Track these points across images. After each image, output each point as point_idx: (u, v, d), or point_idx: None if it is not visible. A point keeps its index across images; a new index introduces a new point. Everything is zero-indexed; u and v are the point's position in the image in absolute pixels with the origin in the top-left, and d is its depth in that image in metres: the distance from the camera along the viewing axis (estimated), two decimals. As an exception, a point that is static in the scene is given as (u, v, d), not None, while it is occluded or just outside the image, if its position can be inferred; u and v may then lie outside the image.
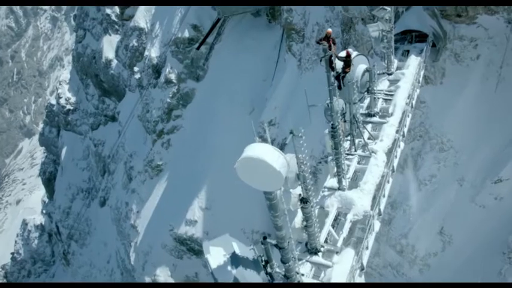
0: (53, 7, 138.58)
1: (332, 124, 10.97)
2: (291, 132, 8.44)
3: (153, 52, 37.40)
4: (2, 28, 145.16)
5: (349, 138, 13.60)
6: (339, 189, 12.23)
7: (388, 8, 15.27)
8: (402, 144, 14.63)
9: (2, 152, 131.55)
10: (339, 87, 12.05)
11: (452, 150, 21.42)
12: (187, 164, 36.75)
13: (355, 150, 13.68)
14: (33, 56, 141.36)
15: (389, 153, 13.83)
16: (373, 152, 13.46)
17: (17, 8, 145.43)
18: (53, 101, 64.12)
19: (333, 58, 11.63)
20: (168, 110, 37.70)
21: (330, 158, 11.86)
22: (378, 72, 17.37)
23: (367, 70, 13.91)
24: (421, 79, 18.19)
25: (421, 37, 19.09)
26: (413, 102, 16.95)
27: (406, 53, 18.74)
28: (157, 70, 37.94)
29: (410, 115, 16.30)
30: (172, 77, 36.77)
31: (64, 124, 64.16)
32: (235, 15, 31.78)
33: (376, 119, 14.89)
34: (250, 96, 33.76)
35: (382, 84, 16.92)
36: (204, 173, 34.44)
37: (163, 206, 37.25)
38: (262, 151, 7.23)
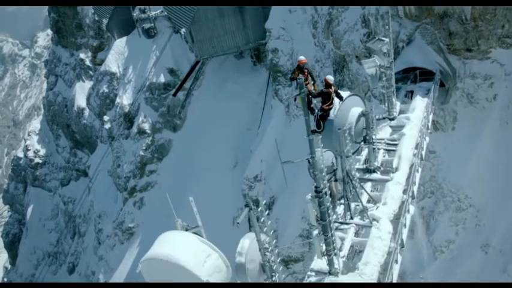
0: (32, 54, 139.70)
1: (316, 186, 8.53)
2: (247, 205, 6.01)
3: (125, 99, 35.60)
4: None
5: (342, 202, 11.13)
6: (329, 273, 9.63)
7: (386, 39, 13.33)
8: (412, 209, 12.15)
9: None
10: (315, 131, 9.76)
11: (472, 209, 19.13)
12: (163, 227, 33.71)
13: (351, 218, 11.15)
14: (8, 105, 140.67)
15: (396, 220, 11.32)
16: (374, 219, 10.95)
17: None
18: (20, 154, 61.80)
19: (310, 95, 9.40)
20: (141, 165, 35.40)
21: (315, 232, 9.33)
22: (378, 117, 15.23)
23: (362, 114, 11.69)
24: (429, 124, 16.04)
25: (426, 75, 17.21)
26: (423, 152, 14.67)
27: (410, 94, 16.79)
28: (129, 119, 35.99)
29: (420, 169, 13.94)
30: (146, 126, 34.77)
31: (31, 179, 61.50)
32: (215, 56, 30.25)
33: (377, 175, 12.49)
34: (234, 147, 31.75)
35: (383, 132, 14.71)
36: (181, 237, 31.66)
37: (134, 277, 34.01)
38: (180, 249, 4.74)
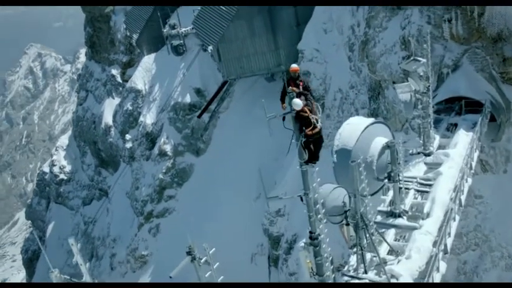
0: (73, 69, 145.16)
1: (310, 232, 7.02)
2: (189, 253, 4.62)
3: (148, 118, 35.22)
4: (18, 89, 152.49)
5: (355, 251, 9.50)
6: None
7: (423, 60, 11.79)
8: (443, 266, 10.31)
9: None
10: (309, 161, 8.36)
11: (526, 269, 16.77)
12: (177, 257, 32.71)
13: (365, 272, 9.48)
14: (46, 119, 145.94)
15: (421, 279, 9.54)
16: (393, 276, 9.24)
17: (37, 69, 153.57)
18: (46, 169, 62.80)
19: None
20: (160, 189, 34.58)
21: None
22: (411, 151, 13.60)
23: (387, 146, 10.12)
24: (474, 164, 14.17)
25: (473, 106, 15.41)
26: (463, 197, 12.80)
27: (453, 128, 14.98)
28: (151, 139, 35.49)
29: (457, 217, 12.08)
30: (168, 148, 34.07)
31: (55, 196, 62.16)
32: (243, 77, 29.35)
33: (402, 221, 10.78)
34: (258, 178, 30.33)
35: (416, 169, 13.01)
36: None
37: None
38: None
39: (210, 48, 27.40)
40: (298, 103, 7.34)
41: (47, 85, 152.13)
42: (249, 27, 27.51)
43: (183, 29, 32.83)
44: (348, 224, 9.34)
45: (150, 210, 35.30)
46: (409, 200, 11.67)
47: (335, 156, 10.33)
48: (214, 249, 6.35)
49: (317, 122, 8.54)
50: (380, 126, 10.62)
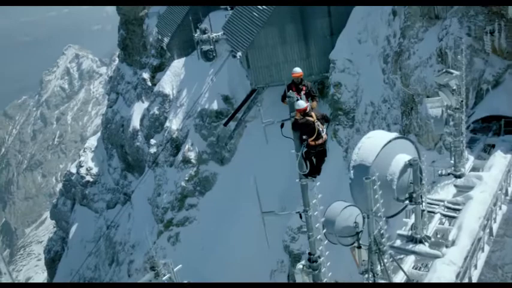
0: (109, 72, 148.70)
1: (309, 254, 6.46)
2: (152, 268, 4.19)
3: (174, 123, 35.26)
4: (54, 89, 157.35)
5: (366, 277, 8.82)
6: None
7: (456, 72, 11.05)
8: (467, 301, 9.46)
9: (24, 220, 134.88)
10: (310, 175, 7.86)
11: None
12: (195, 268, 32.51)
13: (376, 302, 8.78)
14: (79, 121, 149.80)
15: (440, 315, 8.77)
16: (408, 309, 8.51)
17: (73, 70, 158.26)
18: (73, 170, 63.96)
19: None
20: (182, 197, 34.49)
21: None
22: (441, 172, 12.78)
23: (409, 164, 9.43)
24: (510, 190, 13.17)
25: (514, 127, 14.46)
26: (495, 226, 11.87)
27: (490, 149, 14.06)
28: (176, 145, 35.51)
29: (487, 247, 11.18)
30: (192, 155, 33.96)
31: (80, 197, 63.12)
32: (271, 86, 28.96)
33: (423, 248, 10.00)
34: (282, 192, 29.77)
35: (445, 192, 12.18)
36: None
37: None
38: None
39: (239, 54, 27.19)
40: (300, 103, 6.85)
41: (82, 86, 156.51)
42: (280, 34, 27.18)
43: (214, 34, 32.81)
44: (359, 247, 8.71)
45: (170, 218, 35.19)
46: (434, 225, 10.88)
47: (352, 172, 9.76)
48: (180, 266, 5.95)
49: (322, 132, 8.01)
50: (404, 142, 9.94)
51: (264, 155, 32.09)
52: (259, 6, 26.64)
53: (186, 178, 34.37)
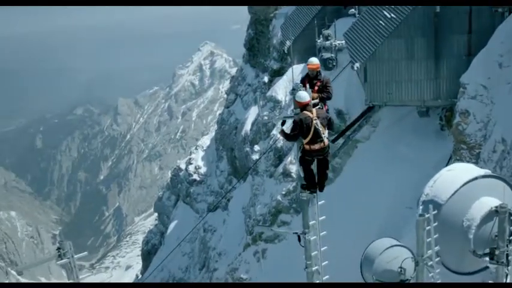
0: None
1: None
2: None
3: (281, 132, 35.14)
4: (185, 83, 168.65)
5: None
6: None
7: None
8: None
9: (135, 208, 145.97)
10: (307, 187, 6.86)
11: None
12: (275, 291, 31.98)
13: None
14: (203, 118, 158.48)
15: None
16: None
17: (206, 67, 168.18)
18: (182, 166, 67.30)
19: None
20: (275, 211, 34.18)
21: None
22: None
23: (496, 211, 7.93)
24: None
25: None
26: None
27: None
28: (279, 156, 35.36)
29: None
30: (293, 169, 33.48)
31: (184, 195, 66.15)
32: (389, 106, 27.40)
33: (501, 324, 8.31)
34: (383, 223, 27.91)
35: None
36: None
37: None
38: None
39: (356, 65, 26.15)
40: (302, 95, 6.03)
41: (212, 84, 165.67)
42: (407, 48, 25.56)
43: (337, 42, 32.19)
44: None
45: (260, 232, 35.07)
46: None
47: (420, 208, 8.57)
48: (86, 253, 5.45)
49: (323, 135, 7.03)
50: (495, 183, 8.41)
51: (371, 181, 30.49)
52: (386, 14, 25.39)
53: (283, 192, 33.99)
